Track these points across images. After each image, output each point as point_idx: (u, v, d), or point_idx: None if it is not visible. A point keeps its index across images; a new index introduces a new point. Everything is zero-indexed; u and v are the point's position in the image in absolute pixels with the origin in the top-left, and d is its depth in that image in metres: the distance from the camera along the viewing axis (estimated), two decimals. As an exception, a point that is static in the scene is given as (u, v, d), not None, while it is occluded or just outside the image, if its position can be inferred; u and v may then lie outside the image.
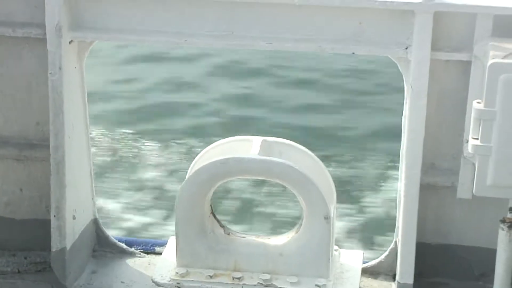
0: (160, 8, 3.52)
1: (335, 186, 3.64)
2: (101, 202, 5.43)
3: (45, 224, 3.74)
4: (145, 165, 6.16)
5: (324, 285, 3.44)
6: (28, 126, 3.67)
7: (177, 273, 3.52)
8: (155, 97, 7.05)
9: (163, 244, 3.95)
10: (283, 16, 3.48)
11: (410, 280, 3.58)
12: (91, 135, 3.98)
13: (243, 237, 3.66)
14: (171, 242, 3.66)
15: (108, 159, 6.22)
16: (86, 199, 3.92)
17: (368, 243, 5.58)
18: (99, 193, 4.86)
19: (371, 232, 5.69)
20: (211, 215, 3.63)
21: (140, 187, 5.84)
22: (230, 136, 3.70)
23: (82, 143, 3.78)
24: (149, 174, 6.06)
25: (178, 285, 3.51)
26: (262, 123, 6.59)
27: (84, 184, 3.87)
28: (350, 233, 5.64)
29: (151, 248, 4.12)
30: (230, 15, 3.51)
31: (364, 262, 3.84)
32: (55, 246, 3.71)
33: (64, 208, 3.67)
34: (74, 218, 3.77)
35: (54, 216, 3.67)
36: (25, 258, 3.92)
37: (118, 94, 7.12)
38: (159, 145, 6.38)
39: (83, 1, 3.52)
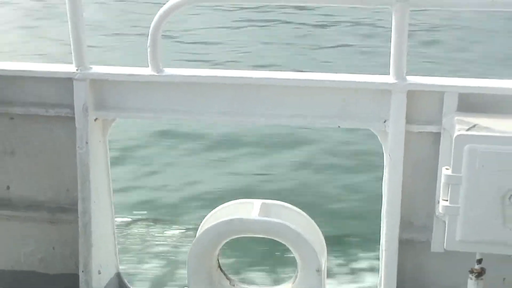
0: (173, 90, 3.53)
1: (326, 242, 3.61)
2: (124, 257, 5.48)
3: (74, 279, 3.71)
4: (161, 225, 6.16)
5: None
6: (59, 192, 3.67)
7: None
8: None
9: (179, 296, 3.94)
10: (279, 96, 3.49)
11: None
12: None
13: (247, 287, 3.65)
14: None
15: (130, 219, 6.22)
16: (110, 256, 3.89)
17: (355, 291, 5.63)
18: (123, 249, 4.90)
19: (357, 281, 5.70)
20: (219, 268, 3.62)
21: (157, 244, 5.85)
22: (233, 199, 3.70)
23: (107, 207, 3.78)
24: (165, 234, 6.06)
25: None
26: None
27: (108, 243, 3.85)
28: (340, 283, 5.66)
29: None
30: (234, 96, 3.52)
31: None
32: None
33: (90, 264, 3.64)
34: (99, 272, 3.75)
35: (82, 271, 3.65)
36: None
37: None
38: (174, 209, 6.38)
39: (105, 85, 3.54)
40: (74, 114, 3.51)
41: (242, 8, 11.31)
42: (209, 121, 3.80)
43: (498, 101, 3.32)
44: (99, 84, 3.53)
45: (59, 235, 3.76)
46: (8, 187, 3.72)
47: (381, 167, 3.52)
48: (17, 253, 3.85)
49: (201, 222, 3.64)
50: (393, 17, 3.23)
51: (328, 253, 3.64)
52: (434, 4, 3.54)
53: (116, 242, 3.97)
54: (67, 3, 3.41)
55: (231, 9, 11.11)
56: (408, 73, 3.37)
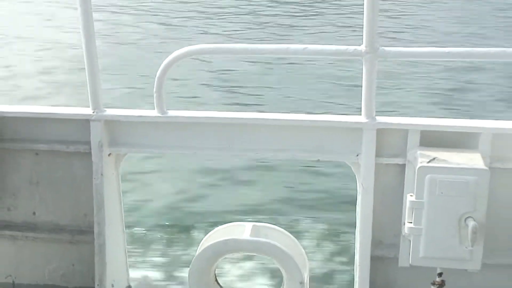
0: (176, 129, 3.55)
1: (308, 258, 3.65)
2: (135, 272, 5.49)
3: None
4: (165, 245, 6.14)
5: None
6: (78, 217, 3.67)
7: None
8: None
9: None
10: (266, 133, 3.51)
11: None
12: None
13: None
14: None
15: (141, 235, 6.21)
16: (122, 271, 3.89)
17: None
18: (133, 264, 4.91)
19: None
20: (215, 282, 3.64)
21: (164, 259, 5.83)
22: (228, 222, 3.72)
23: (119, 230, 3.78)
24: (170, 250, 6.04)
25: None
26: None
27: (120, 260, 3.85)
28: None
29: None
30: (228, 134, 3.53)
31: None
32: None
33: (105, 279, 3.63)
34: (112, 286, 3.74)
35: (98, 285, 3.64)
36: None
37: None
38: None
39: (118, 125, 3.55)
40: (90, 150, 3.51)
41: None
42: (207, 155, 3.80)
43: (454, 138, 3.35)
44: (112, 124, 3.54)
45: (78, 254, 3.75)
46: (34, 213, 3.71)
47: (355, 194, 3.54)
48: (41, 269, 3.85)
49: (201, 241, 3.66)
50: (364, 66, 3.26)
51: (310, 267, 3.65)
52: (399, 56, 3.55)
53: (127, 260, 3.96)
54: (84, 54, 3.43)
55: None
56: (378, 114, 3.39)
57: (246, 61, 10.96)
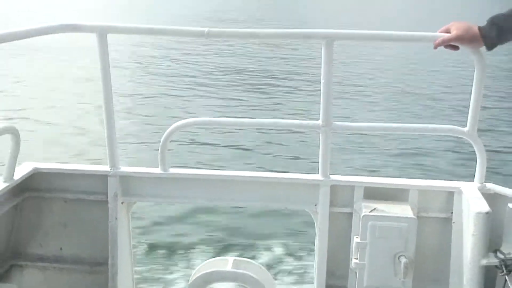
0: (176, 183, 3.54)
1: (277, 286, 3.64)
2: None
3: None
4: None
5: None
6: (96, 252, 3.61)
7: None
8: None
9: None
10: (246, 187, 3.50)
11: None
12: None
13: None
14: None
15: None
16: None
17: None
18: None
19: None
20: None
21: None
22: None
23: (128, 262, 3.72)
24: (169, 280, 5.98)
25: None
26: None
27: (129, 287, 3.78)
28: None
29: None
30: (216, 188, 3.52)
31: None
32: None
33: None
34: None
35: None
36: None
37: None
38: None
39: (130, 179, 3.55)
40: (107, 199, 3.50)
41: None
42: (200, 204, 3.79)
43: (390, 192, 3.36)
44: (125, 178, 3.54)
45: (95, 282, 3.67)
46: (61, 248, 3.66)
47: (313, 236, 3.53)
48: None
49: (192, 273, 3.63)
50: (320, 137, 3.29)
51: None
52: (350, 129, 3.59)
53: (135, 286, 3.90)
54: (104, 117, 3.43)
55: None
56: (331, 172, 3.40)
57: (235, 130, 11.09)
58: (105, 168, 3.54)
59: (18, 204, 3.52)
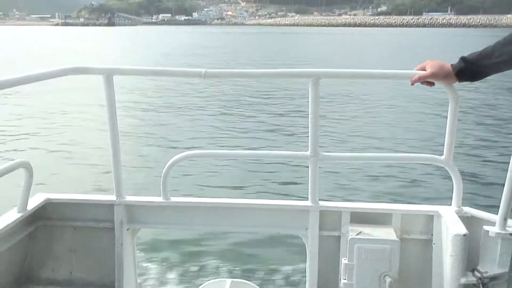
0: (176, 211, 3.54)
1: None
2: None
3: None
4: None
5: None
6: (103, 275, 3.58)
7: None
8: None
9: None
10: (242, 214, 3.48)
11: None
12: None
13: None
14: None
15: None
16: None
17: None
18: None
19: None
20: None
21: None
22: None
23: (133, 285, 3.69)
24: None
25: None
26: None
27: None
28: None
29: None
30: (214, 215, 3.51)
31: None
32: None
33: None
34: None
35: None
36: None
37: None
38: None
39: (134, 207, 3.55)
40: (114, 226, 3.49)
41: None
42: (200, 230, 3.77)
43: (375, 217, 3.36)
44: (130, 207, 3.53)
45: None
46: (71, 273, 3.62)
47: (305, 258, 3.50)
48: None
49: None
50: (309, 167, 3.29)
51: None
52: (337, 159, 3.60)
53: None
54: (110, 150, 3.42)
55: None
56: (321, 199, 3.40)
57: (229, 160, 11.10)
58: (111, 197, 3.53)
59: (31, 233, 3.50)
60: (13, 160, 3.15)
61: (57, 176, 10.50)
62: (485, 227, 2.96)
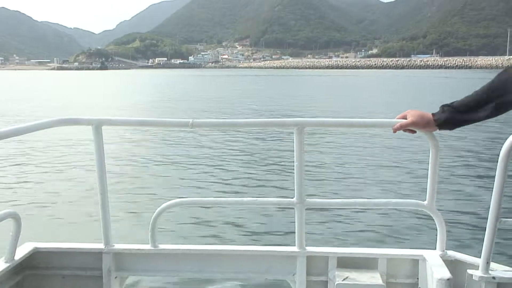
0: (164, 258, 3.51)
1: None
2: None
3: None
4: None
5: None
6: None
7: None
8: None
9: None
10: (230, 260, 3.47)
11: None
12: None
13: None
14: None
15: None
16: None
17: None
18: None
19: None
20: None
21: None
22: None
23: None
24: None
25: None
26: None
27: None
28: None
29: None
30: (202, 261, 3.50)
31: None
32: None
33: None
34: None
35: None
36: None
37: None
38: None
39: (123, 255, 3.52)
40: (102, 274, 3.44)
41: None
42: (187, 277, 3.73)
43: (361, 261, 3.35)
44: (118, 255, 3.49)
45: None
46: None
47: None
48: None
49: None
50: (295, 213, 3.30)
51: None
52: (323, 205, 3.61)
53: None
54: (99, 198, 3.41)
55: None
56: (308, 244, 3.39)
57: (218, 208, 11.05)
58: (99, 245, 3.50)
59: (18, 282, 3.43)
60: (1, 210, 3.12)
61: (45, 225, 10.37)
62: (469, 271, 2.96)
